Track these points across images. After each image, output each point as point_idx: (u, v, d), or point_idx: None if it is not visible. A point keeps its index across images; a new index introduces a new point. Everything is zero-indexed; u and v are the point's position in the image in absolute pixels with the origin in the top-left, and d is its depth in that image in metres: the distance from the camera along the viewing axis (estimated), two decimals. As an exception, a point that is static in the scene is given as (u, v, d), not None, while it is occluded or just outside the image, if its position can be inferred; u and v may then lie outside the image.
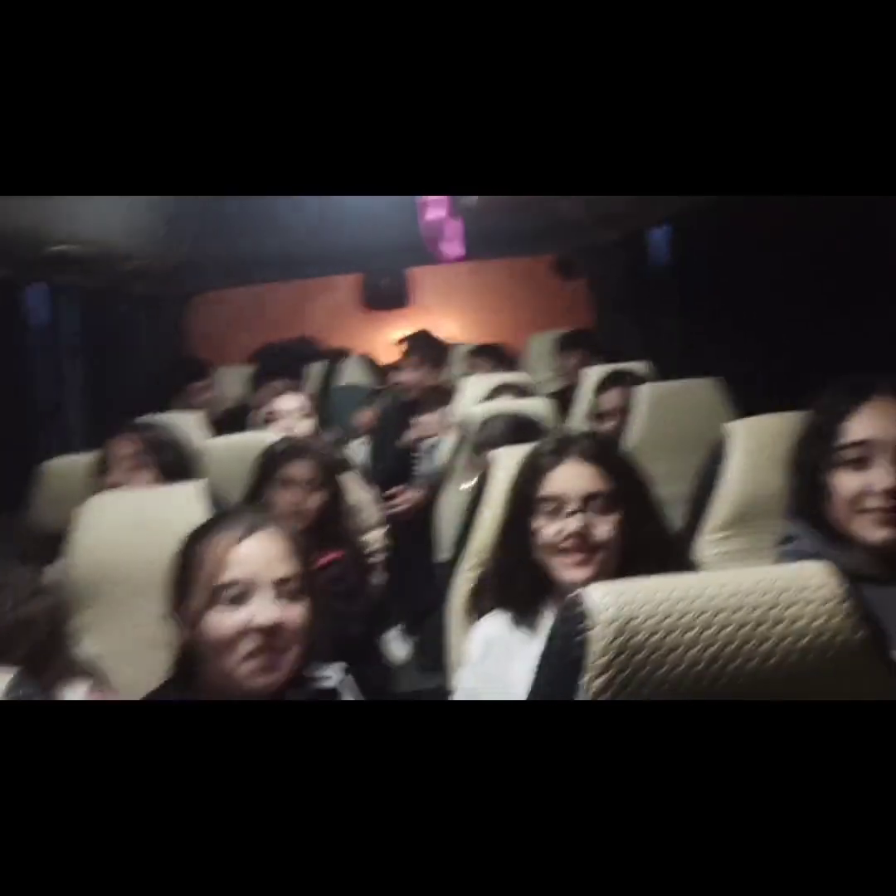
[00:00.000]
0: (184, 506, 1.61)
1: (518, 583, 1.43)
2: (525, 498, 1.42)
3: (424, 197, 2.61)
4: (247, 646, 1.13)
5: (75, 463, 2.18)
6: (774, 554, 1.40)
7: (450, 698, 1.50)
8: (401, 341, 3.56)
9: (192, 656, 1.20)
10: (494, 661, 1.42)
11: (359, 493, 2.79)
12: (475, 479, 2.28)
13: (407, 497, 3.32)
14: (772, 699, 0.74)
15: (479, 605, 1.52)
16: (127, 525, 1.62)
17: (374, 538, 2.85)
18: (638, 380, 3.26)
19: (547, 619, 1.42)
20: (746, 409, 2.50)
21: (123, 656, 1.55)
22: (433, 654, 3.10)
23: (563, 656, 0.76)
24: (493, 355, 3.84)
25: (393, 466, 3.46)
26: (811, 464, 1.31)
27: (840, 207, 2.15)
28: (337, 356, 4.45)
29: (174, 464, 2.00)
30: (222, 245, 3.56)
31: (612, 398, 2.75)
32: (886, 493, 1.22)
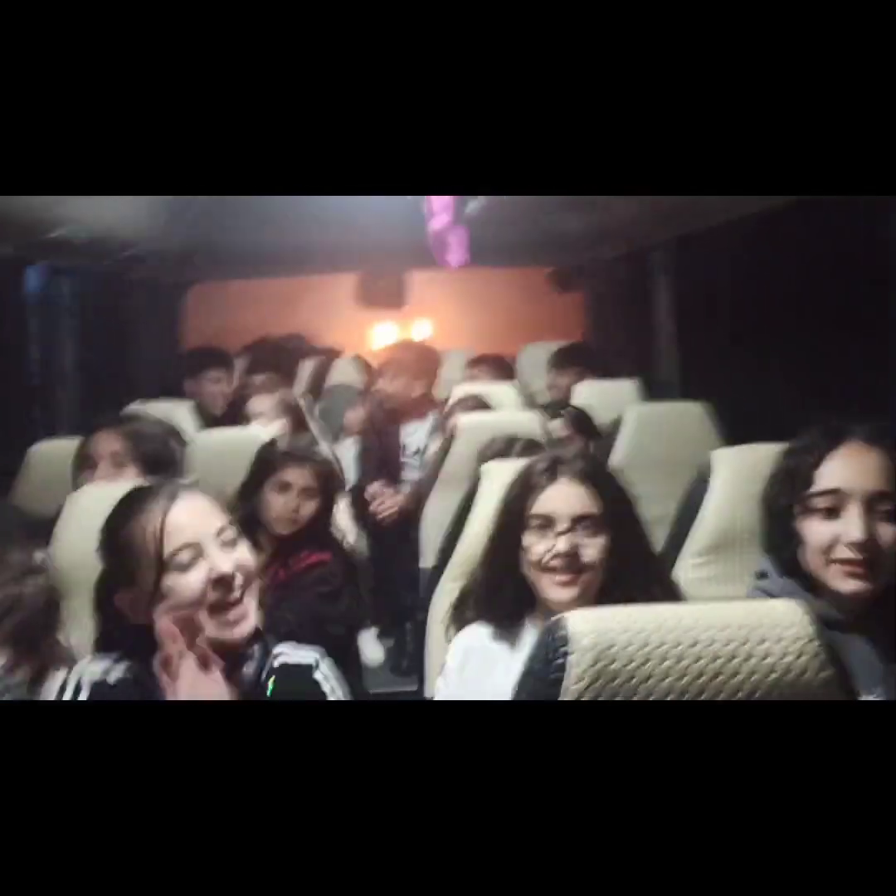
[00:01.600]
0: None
1: (502, 597, 1.46)
2: (516, 514, 1.44)
3: (432, 205, 2.63)
4: (213, 597, 1.17)
5: (63, 447, 2.18)
6: (750, 585, 1.43)
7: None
8: (385, 348, 3.56)
9: (146, 635, 1.20)
10: (473, 671, 1.45)
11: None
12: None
13: (394, 502, 3.34)
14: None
15: (460, 617, 1.55)
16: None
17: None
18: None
19: (528, 634, 1.45)
20: (735, 434, 2.54)
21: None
22: (410, 659, 3.15)
23: (541, 679, 0.79)
24: (492, 365, 3.86)
25: (380, 474, 3.48)
26: (782, 508, 1.32)
27: (839, 236, 2.19)
28: (330, 354, 4.46)
29: (157, 459, 1.97)
30: (223, 236, 3.57)
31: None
32: (856, 545, 1.22)
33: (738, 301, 2.99)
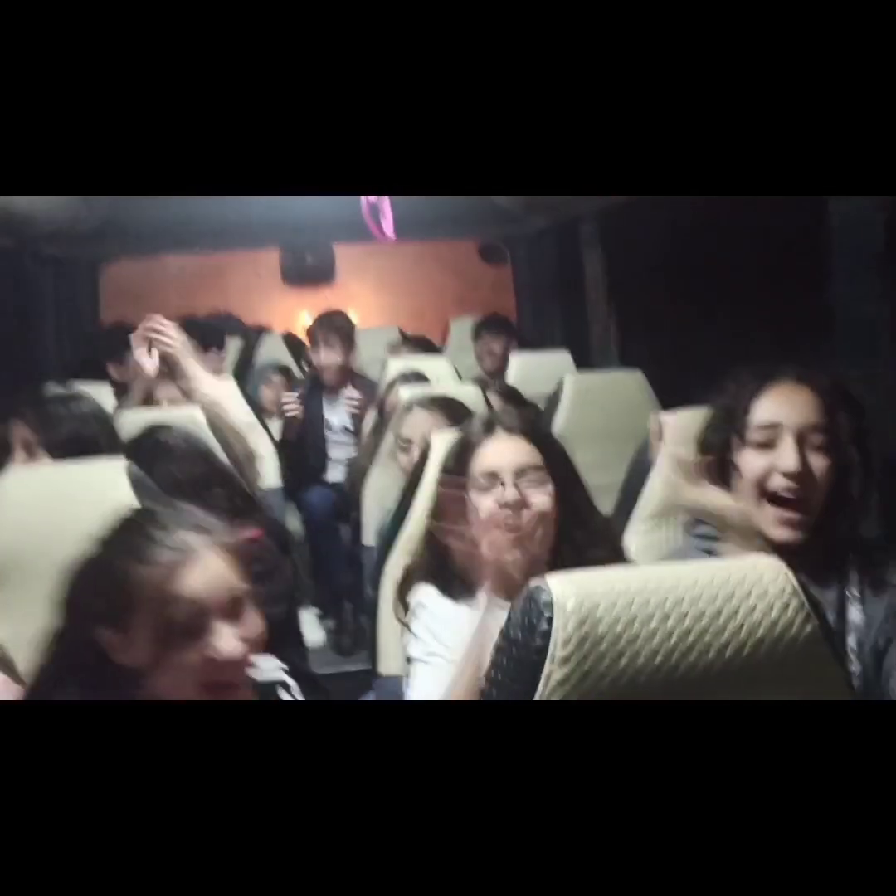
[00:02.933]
0: (107, 484, 1.54)
1: (450, 565, 1.42)
2: (455, 475, 1.41)
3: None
4: (207, 677, 1.06)
5: None
6: (687, 537, 1.44)
7: (409, 661, 1.44)
8: (317, 321, 3.50)
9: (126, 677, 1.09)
10: (444, 618, 1.41)
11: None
12: (401, 464, 2.28)
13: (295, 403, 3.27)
14: (727, 688, 0.76)
15: (409, 588, 1.50)
16: (44, 502, 1.53)
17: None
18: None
19: (476, 592, 1.41)
20: (668, 401, 2.57)
21: (32, 641, 1.47)
22: (353, 637, 3.11)
23: (524, 647, 0.76)
24: (419, 346, 3.82)
25: (306, 450, 3.42)
26: (719, 446, 1.35)
27: (768, 204, 2.22)
28: (256, 333, 4.35)
29: (76, 442, 1.82)
30: (141, 211, 3.42)
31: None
32: (790, 474, 1.27)
33: (667, 268, 3.01)
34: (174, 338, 2.31)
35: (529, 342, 3.74)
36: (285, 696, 1.22)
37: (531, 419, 1.50)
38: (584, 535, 1.38)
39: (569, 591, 0.76)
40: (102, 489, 1.52)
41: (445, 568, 1.43)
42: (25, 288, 3.41)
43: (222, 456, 2.12)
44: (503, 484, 1.36)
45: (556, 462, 1.41)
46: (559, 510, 1.37)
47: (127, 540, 1.11)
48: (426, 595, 1.45)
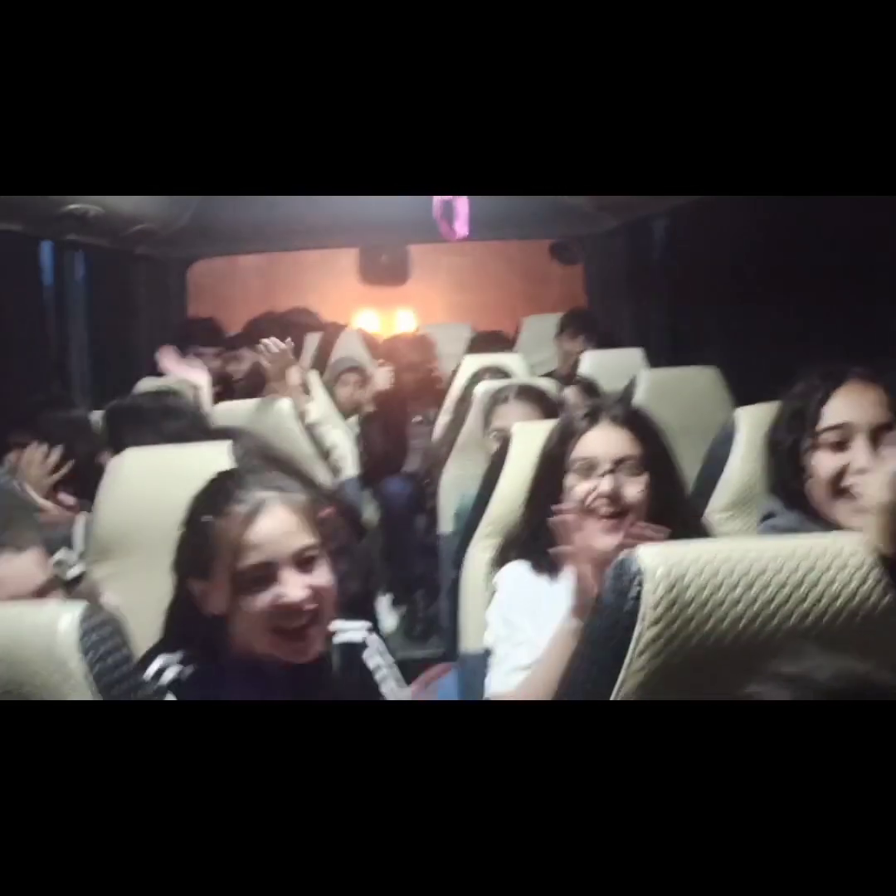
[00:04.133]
0: (212, 464, 1.64)
1: (544, 539, 1.44)
2: (557, 459, 1.47)
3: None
4: (277, 623, 1.16)
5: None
6: (758, 529, 1.48)
7: (493, 640, 1.48)
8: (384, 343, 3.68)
9: (218, 630, 1.20)
10: (521, 599, 1.46)
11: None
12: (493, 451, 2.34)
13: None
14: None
15: (501, 564, 1.55)
16: (155, 480, 1.66)
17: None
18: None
19: (568, 572, 1.43)
20: (740, 398, 2.58)
21: (143, 609, 1.59)
22: (424, 624, 3.21)
23: (616, 610, 0.83)
24: (495, 342, 3.90)
25: (389, 444, 3.56)
26: (790, 446, 1.39)
27: (836, 203, 2.23)
28: (334, 328, 4.48)
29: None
30: (226, 212, 3.57)
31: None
32: (863, 472, 1.30)
33: (738, 267, 3.01)
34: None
35: (601, 340, 3.77)
36: (366, 657, 1.29)
37: (635, 410, 1.53)
38: (675, 525, 1.40)
39: (658, 560, 0.83)
40: (207, 469, 1.63)
41: (540, 545, 1.46)
42: (122, 286, 3.59)
43: (285, 446, 2.21)
44: (600, 473, 1.41)
45: (655, 454, 1.45)
46: (652, 501, 1.42)
47: (212, 497, 1.24)
48: (512, 573, 1.50)
